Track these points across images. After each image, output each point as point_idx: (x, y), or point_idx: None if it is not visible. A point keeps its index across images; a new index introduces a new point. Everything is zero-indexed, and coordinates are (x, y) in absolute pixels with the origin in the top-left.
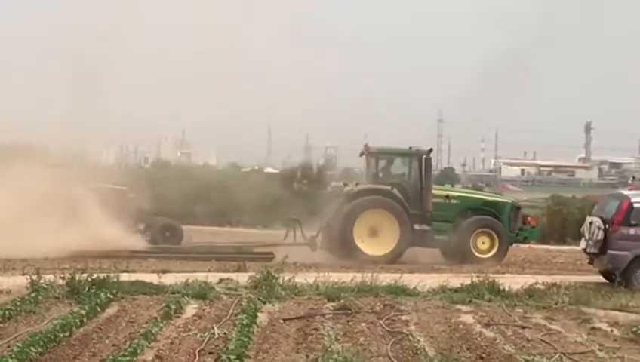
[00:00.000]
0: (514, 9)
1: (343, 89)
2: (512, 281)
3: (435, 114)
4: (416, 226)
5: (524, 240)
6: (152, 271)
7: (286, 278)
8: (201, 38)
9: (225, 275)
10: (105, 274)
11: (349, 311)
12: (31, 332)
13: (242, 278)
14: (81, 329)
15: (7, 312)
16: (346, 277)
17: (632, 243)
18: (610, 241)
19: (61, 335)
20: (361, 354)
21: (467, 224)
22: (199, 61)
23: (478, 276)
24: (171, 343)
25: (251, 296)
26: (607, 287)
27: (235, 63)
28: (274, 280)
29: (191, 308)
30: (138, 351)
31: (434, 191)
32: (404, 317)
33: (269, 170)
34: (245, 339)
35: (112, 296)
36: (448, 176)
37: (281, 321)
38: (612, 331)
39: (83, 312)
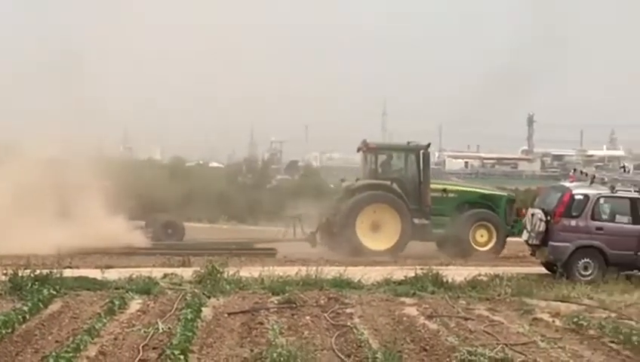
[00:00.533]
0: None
1: (293, 85)
2: (456, 273)
3: (380, 106)
4: (416, 220)
5: (519, 233)
6: (96, 267)
7: (230, 272)
8: (155, 38)
9: (169, 270)
10: (48, 271)
11: (294, 305)
12: None
13: (187, 273)
14: (24, 326)
15: None
16: (291, 271)
17: (574, 235)
18: (552, 233)
19: (3, 331)
20: (306, 348)
21: (465, 217)
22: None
23: (422, 268)
24: (115, 339)
25: (196, 290)
26: (549, 278)
27: (185, 62)
28: (218, 275)
29: (135, 304)
30: (81, 347)
31: (432, 186)
32: (348, 310)
33: (214, 164)
34: (189, 334)
35: (55, 292)
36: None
37: (226, 315)
38: (554, 322)
39: (25, 308)
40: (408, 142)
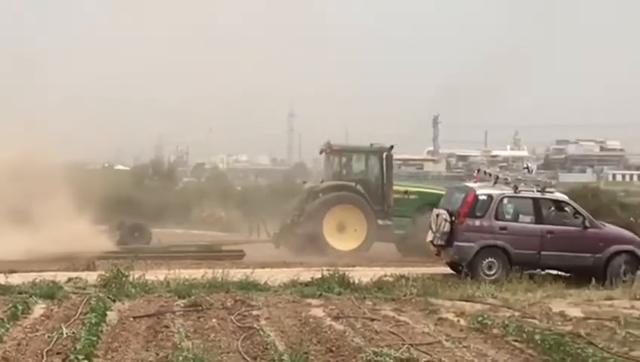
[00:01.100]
0: None
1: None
2: (362, 274)
3: (287, 108)
4: (380, 221)
5: None
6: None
7: (136, 276)
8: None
9: (74, 274)
10: None
11: (200, 308)
12: None
13: (91, 277)
14: None
15: None
16: (198, 274)
17: (478, 235)
18: (457, 233)
19: None
20: (211, 351)
21: (426, 218)
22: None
23: (328, 270)
24: (18, 344)
25: (101, 294)
26: (454, 278)
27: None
28: (124, 278)
29: (39, 308)
30: None
31: (394, 187)
32: (255, 313)
33: (119, 167)
34: (94, 338)
35: None
36: (299, 172)
37: (131, 319)
38: (459, 321)
39: None
40: (371, 145)
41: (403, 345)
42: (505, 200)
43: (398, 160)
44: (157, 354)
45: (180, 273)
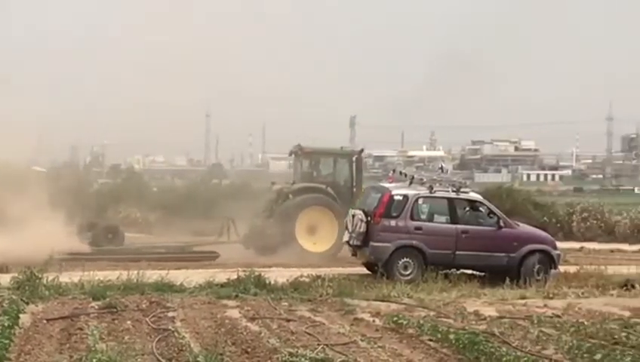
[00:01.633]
0: None
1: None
2: (279, 275)
3: (203, 108)
4: None
5: None
6: None
7: (50, 278)
8: None
9: None
10: None
11: (115, 310)
12: None
13: (4, 279)
14: None
15: None
16: (112, 276)
17: (394, 235)
18: (373, 233)
19: None
20: (126, 353)
21: None
22: None
23: (244, 271)
24: None
25: (14, 296)
26: (369, 278)
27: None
28: (37, 281)
29: None
30: None
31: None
32: (170, 314)
33: (36, 168)
34: (6, 342)
35: None
36: (216, 173)
37: (45, 322)
38: (374, 321)
39: None
40: (342, 147)
41: (318, 345)
42: (420, 201)
43: None
44: (71, 357)
45: (94, 274)
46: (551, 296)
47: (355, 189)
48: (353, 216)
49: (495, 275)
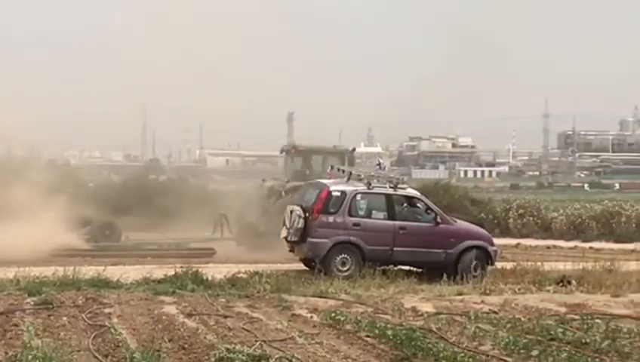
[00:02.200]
0: None
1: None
2: (216, 271)
3: (141, 103)
4: None
5: None
6: None
7: None
8: None
9: None
10: None
11: (51, 306)
12: None
13: None
14: None
15: None
16: (48, 272)
17: (331, 231)
18: (310, 229)
19: None
20: (62, 349)
21: None
22: None
23: (181, 267)
24: None
25: None
26: (307, 274)
27: None
28: None
29: None
30: None
31: None
32: (106, 310)
33: None
34: None
35: None
36: (153, 168)
37: None
38: (312, 317)
39: None
40: (334, 146)
41: (256, 341)
42: (358, 197)
43: (253, 156)
44: (6, 354)
45: (29, 270)
46: (488, 292)
47: None
48: (291, 212)
49: (432, 271)
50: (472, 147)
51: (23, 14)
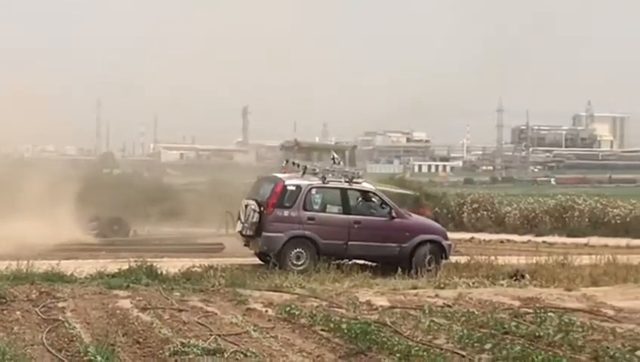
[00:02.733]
0: None
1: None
2: (170, 265)
3: (94, 97)
4: None
5: None
6: None
7: None
8: None
9: None
10: None
11: (4, 300)
12: None
13: None
14: None
15: None
16: (1, 266)
17: (286, 225)
18: (265, 223)
19: None
20: (15, 344)
21: None
22: None
23: (135, 261)
24: None
25: None
26: (262, 269)
27: None
28: None
29: None
30: None
31: None
32: (60, 305)
33: None
34: None
35: None
36: (107, 162)
37: None
38: (267, 311)
39: None
40: (335, 143)
41: (211, 335)
42: (313, 191)
43: (208, 150)
44: None
45: None
46: (442, 286)
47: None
48: (246, 206)
49: (387, 265)
50: (427, 141)
51: None
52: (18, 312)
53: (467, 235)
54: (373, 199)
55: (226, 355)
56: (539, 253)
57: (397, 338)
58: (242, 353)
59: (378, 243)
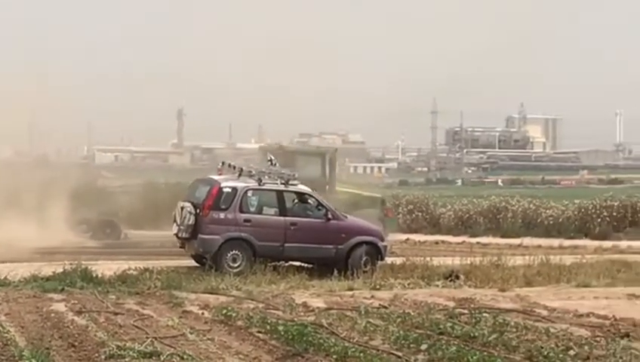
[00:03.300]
0: None
1: None
2: (106, 268)
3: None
4: None
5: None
6: None
7: None
8: None
9: None
10: None
11: None
12: None
13: None
14: None
15: None
16: None
17: (223, 227)
18: (201, 226)
19: None
20: None
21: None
22: None
23: (70, 264)
24: None
25: None
26: (198, 271)
27: None
28: None
29: None
30: None
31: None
32: None
33: None
34: None
35: None
36: (42, 164)
37: None
38: (203, 314)
39: None
40: (317, 147)
41: (147, 338)
42: (249, 193)
43: (143, 152)
44: None
45: None
46: (378, 287)
47: (328, 186)
48: (182, 208)
49: (323, 267)
50: (362, 143)
51: None
52: None
53: (403, 236)
54: (309, 201)
55: (162, 358)
56: (473, 254)
57: (334, 340)
58: (179, 356)
59: (314, 245)
